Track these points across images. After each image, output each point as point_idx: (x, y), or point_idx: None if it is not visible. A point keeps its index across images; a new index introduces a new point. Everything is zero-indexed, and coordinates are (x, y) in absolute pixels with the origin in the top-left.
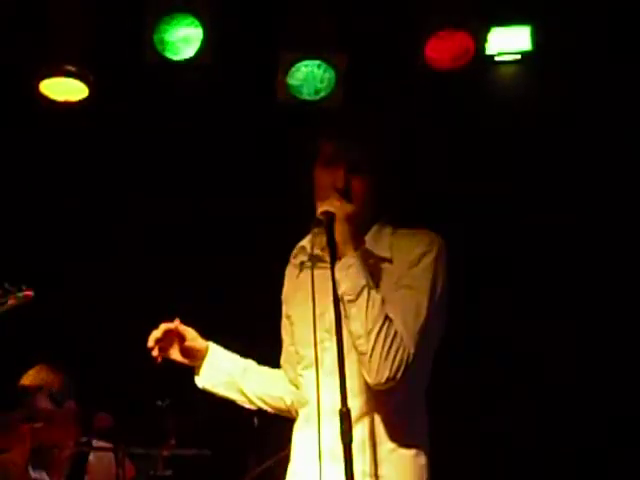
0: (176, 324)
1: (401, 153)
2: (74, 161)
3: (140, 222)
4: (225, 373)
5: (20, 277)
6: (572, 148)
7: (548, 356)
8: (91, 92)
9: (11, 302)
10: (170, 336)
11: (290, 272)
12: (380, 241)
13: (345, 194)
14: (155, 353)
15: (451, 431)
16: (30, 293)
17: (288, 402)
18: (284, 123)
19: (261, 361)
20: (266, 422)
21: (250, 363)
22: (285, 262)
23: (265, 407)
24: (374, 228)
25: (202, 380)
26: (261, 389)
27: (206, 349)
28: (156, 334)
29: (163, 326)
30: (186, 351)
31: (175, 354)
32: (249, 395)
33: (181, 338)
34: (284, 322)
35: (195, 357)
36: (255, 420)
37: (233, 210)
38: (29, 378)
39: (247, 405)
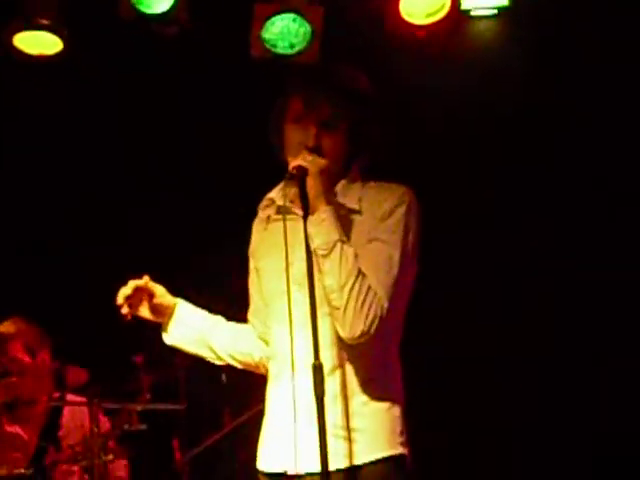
0: (145, 280)
1: (371, 108)
2: (49, 116)
3: (112, 175)
4: (193, 329)
5: None
6: (547, 109)
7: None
8: (65, 46)
9: None
10: (139, 293)
11: (257, 225)
12: (349, 193)
13: (316, 151)
14: (124, 311)
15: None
16: None
17: (256, 358)
18: (259, 78)
19: (229, 317)
20: (238, 377)
21: (218, 319)
22: (252, 216)
23: (234, 363)
24: (343, 181)
25: (170, 337)
26: (230, 345)
27: (174, 306)
28: (125, 291)
29: (132, 283)
30: (155, 308)
31: (144, 311)
32: (218, 351)
33: (150, 295)
34: (252, 276)
35: (164, 314)
36: (223, 377)
37: (203, 164)
38: (3, 326)
39: (216, 361)
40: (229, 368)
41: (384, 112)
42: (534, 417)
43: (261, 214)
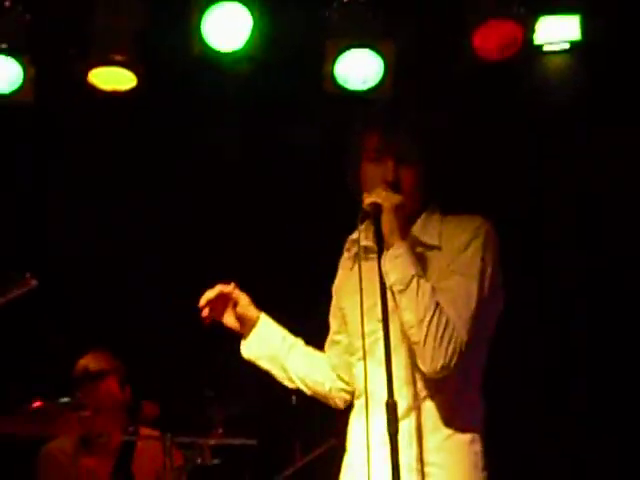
0: (232, 287)
1: (447, 142)
2: (123, 151)
3: (184, 210)
4: (272, 346)
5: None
6: (617, 141)
7: None
8: (139, 82)
9: (16, 291)
10: (223, 299)
11: (344, 264)
12: (429, 229)
13: (395, 186)
14: (205, 313)
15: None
16: (35, 282)
17: (327, 388)
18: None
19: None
20: (309, 412)
21: (297, 341)
22: (337, 254)
23: (304, 389)
24: (422, 216)
25: (248, 349)
26: (304, 370)
27: (257, 319)
28: (210, 294)
29: (219, 287)
30: (237, 317)
31: (229, 319)
32: (291, 373)
33: (234, 303)
34: (333, 310)
35: (245, 325)
36: (293, 399)
37: (284, 205)
38: (95, 362)
39: (286, 383)
40: (301, 395)
41: (457, 147)
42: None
43: (347, 254)
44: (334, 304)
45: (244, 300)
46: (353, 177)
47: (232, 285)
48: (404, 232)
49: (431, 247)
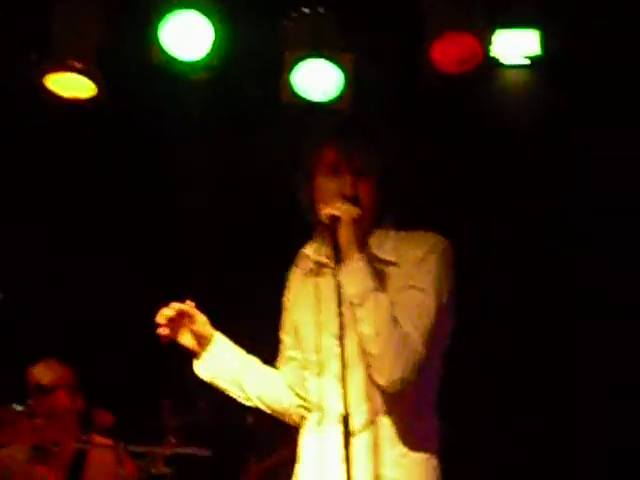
0: (190, 305)
1: (402, 156)
2: (81, 157)
3: (146, 220)
4: (228, 366)
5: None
6: (578, 156)
7: None
8: (99, 90)
9: None
10: (180, 318)
11: (295, 278)
12: (384, 244)
13: (353, 200)
14: (165, 332)
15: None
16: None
17: (285, 405)
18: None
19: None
20: (263, 423)
21: (253, 360)
22: (286, 267)
23: (262, 407)
24: (377, 232)
25: (203, 369)
26: (262, 388)
27: (212, 337)
28: (168, 312)
29: (177, 305)
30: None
31: (185, 338)
32: (248, 392)
33: (190, 322)
34: (286, 326)
35: (200, 344)
36: (248, 418)
37: (240, 214)
38: (46, 374)
39: (244, 402)
40: (255, 412)
41: (412, 162)
42: None
43: (298, 269)
44: (287, 319)
45: (201, 319)
46: (307, 191)
47: (190, 303)
48: (361, 245)
49: (387, 263)
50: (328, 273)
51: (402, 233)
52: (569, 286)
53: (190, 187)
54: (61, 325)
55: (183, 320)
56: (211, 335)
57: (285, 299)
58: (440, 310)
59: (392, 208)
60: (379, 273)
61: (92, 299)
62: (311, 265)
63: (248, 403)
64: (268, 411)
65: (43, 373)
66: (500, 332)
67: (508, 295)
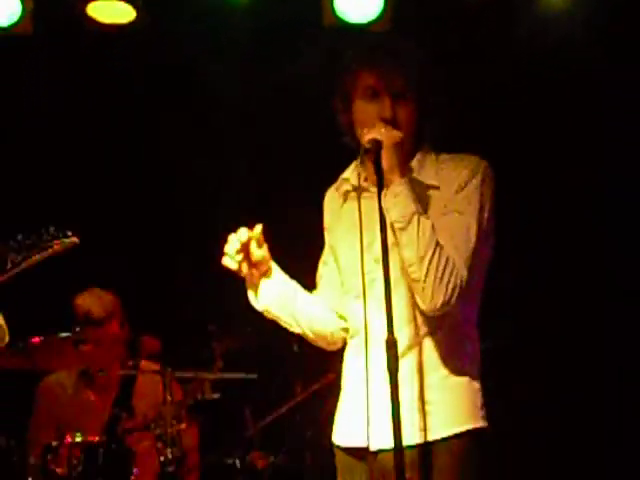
0: (259, 231)
1: (442, 79)
2: (121, 83)
3: (179, 155)
4: (283, 294)
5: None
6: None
7: None
8: (138, 15)
9: (56, 247)
10: (245, 246)
11: (332, 201)
12: (425, 168)
13: (392, 122)
14: (233, 265)
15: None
16: (76, 239)
17: (330, 328)
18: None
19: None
20: (309, 347)
21: (298, 286)
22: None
23: (309, 333)
24: (418, 155)
25: (261, 298)
26: (311, 313)
27: (269, 266)
28: (241, 238)
29: (246, 234)
30: (253, 264)
31: (244, 266)
32: (299, 319)
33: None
34: (326, 250)
35: (257, 273)
36: (295, 347)
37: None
38: (95, 304)
39: (294, 329)
40: (301, 339)
41: (450, 81)
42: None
43: (336, 193)
44: (327, 243)
45: (265, 246)
46: (346, 115)
47: (259, 227)
48: (404, 169)
49: (429, 186)
50: (369, 197)
51: (442, 156)
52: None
53: (229, 113)
54: (106, 252)
55: (245, 248)
56: (269, 263)
57: (324, 222)
58: (481, 233)
59: (431, 131)
60: (421, 196)
61: (137, 225)
62: (348, 188)
63: (297, 330)
64: (312, 337)
65: (92, 303)
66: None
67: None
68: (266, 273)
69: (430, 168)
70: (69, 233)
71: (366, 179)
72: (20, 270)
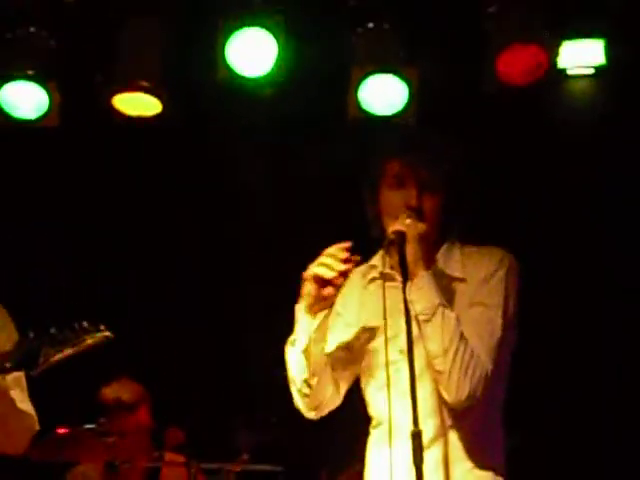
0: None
1: (469, 170)
2: (148, 175)
3: (206, 240)
4: (323, 337)
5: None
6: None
7: None
8: (164, 108)
9: (89, 342)
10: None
11: (355, 281)
12: (451, 260)
13: (418, 212)
14: (341, 269)
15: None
16: (109, 334)
17: (330, 392)
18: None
19: None
20: (335, 437)
21: None
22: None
23: (310, 386)
24: (444, 247)
25: (313, 327)
26: (325, 367)
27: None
28: (342, 266)
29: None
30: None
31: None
32: (317, 367)
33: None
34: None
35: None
36: (274, 420)
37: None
38: (126, 391)
39: (303, 375)
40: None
41: (478, 175)
42: None
43: (362, 279)
44: (338, 322)
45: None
46: (372, 204)
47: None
48: (427, 261)
49: (454, 279)
50: (394, 286)
51: (468, 248)
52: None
53: (254, 203)
54: (129, 343)
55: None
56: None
57: (337, 303)
58: (506, 324)
59: (458, 223)
60: (446, 289)
61: (161, 312)
62: (377, 275)
63: (305, 386)
64: (308, 392)
65: (122, 389)
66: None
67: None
68: (327, 306)
69: (456, 261)
70: (102, 327)
71: (392, 267)
72: (53, 364)
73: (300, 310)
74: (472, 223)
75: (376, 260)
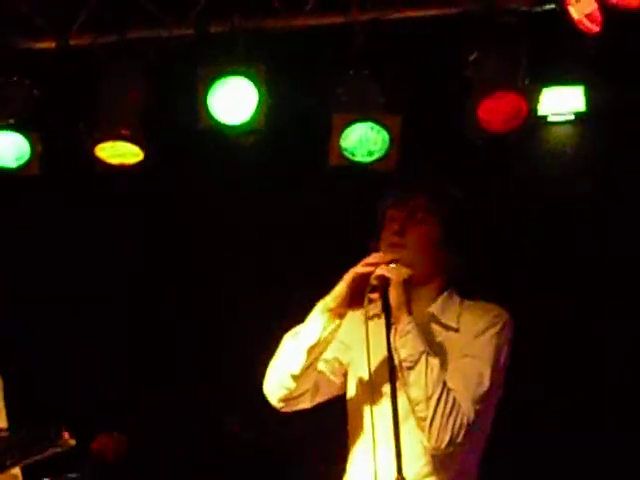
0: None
1: (457, 209)
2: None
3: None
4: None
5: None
6: (628, 212)
7: None
8: (146, 156)
9: (52, 451)
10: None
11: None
12: (448, 310)
13: (400, 236)
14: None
15: None
16: (72, 442)
17: (308, 387)
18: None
19: None
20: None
21: None
22: None
23: (295, 379)
24: (443, 295)
25: (330, 329)
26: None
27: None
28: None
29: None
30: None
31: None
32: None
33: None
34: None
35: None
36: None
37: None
38: (111, 448)
39: (296, 372)
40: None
41: (468, 216)
42: None
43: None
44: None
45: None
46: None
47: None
48: (411, 306)
49: (449, 328)
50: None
51: (467, 302)
52: None
53: (238, 250)
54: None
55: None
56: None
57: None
58: (494, 379)
59: (457, 276)
60: (439, 338)
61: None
62: (378, 312)
63: (291, 380)
64: (292, 383)
65: (108, 447)
66: None
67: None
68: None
69: (453, 311)
70: (66, 436)
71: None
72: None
73: (321, 309)
74: (471, 279)
75: (365, 304)
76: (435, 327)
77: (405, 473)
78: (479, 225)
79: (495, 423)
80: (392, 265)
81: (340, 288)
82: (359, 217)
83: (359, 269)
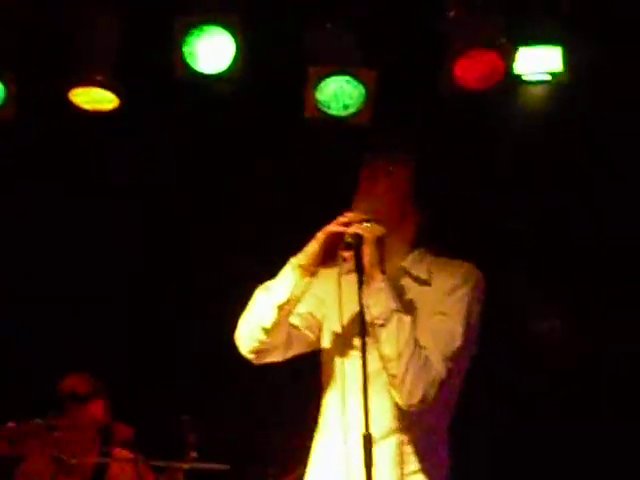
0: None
1: (434, 178)
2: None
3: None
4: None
5: None
6: (602, 170)
7: None
8: (121, 102)
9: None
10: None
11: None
12: (420, 263)
13: (371, 189)
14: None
15: None
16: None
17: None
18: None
19: None
20: (283, 438)
21: None
22: None
23: (267, 332)
24: (417, 251)
25: (300, 286)
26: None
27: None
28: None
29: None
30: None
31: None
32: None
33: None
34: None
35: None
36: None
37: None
38: (82, 383)
39: (267, 324)
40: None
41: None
42: None
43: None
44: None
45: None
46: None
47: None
48: (384, 264)
49: (419, 281)
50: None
51: (440, 258)
52: None
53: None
54: (79, 339)
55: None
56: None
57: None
58: (466, 336)
59: (431, 233)
60: (409, 290)
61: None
62: (352, 268)
63: (262, 333)
64: (263, 336)
65: (79, 382)
66: None
67: None
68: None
69: (425, 264)
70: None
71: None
72: None
73: (293, 266)
74: (445, 237)
75: (339, 261)
76: (407, 282)
77: (372, 429)
78: (450, 182)
79: (497, 414)
80: (366, 224)
81: (313, 246)
82: (338, 170)
83: (332, 227)
